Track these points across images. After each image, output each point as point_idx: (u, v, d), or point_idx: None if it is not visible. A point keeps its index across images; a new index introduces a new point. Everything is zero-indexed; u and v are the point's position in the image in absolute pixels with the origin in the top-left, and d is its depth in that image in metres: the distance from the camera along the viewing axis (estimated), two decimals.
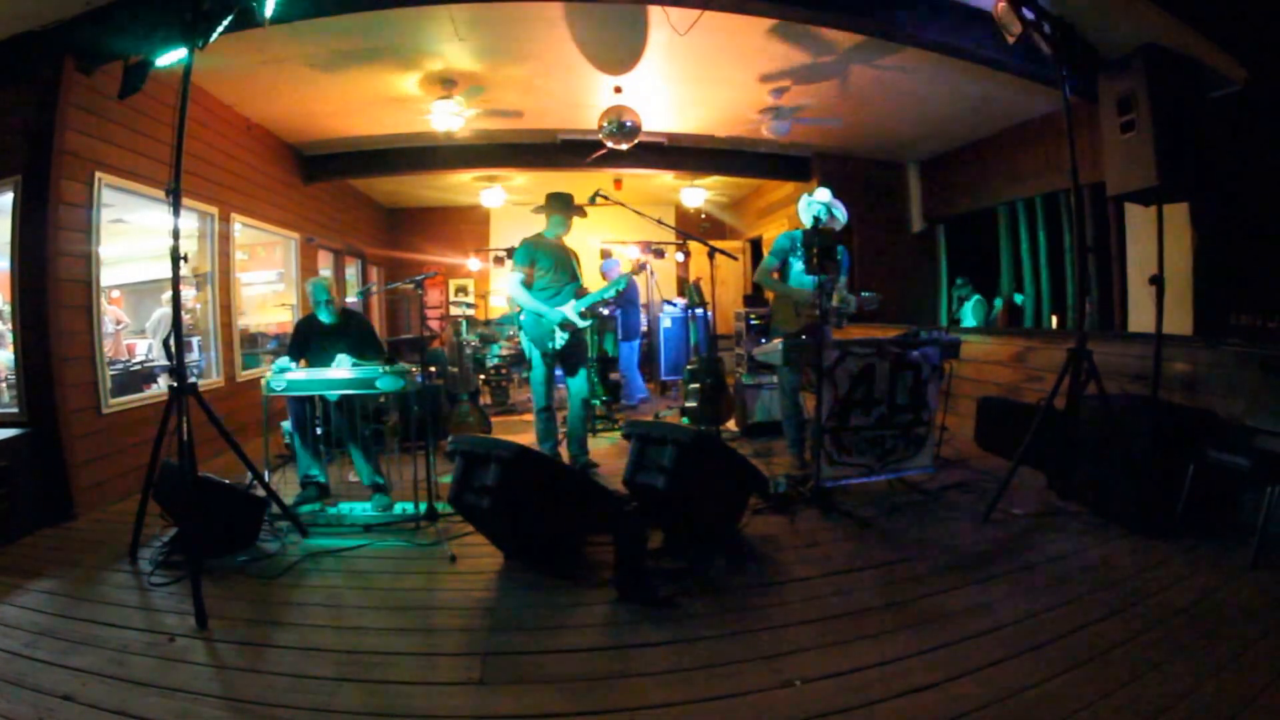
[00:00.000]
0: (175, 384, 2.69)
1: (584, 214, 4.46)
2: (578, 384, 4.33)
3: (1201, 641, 2.14)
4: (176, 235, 2.65)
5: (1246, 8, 3.44)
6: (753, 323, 7.83)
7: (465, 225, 10.54)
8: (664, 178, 8.38)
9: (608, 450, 5.08)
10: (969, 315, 7.75)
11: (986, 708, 1.84)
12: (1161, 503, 3.07)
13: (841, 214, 4.21)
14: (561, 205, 4.33)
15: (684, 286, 9.03)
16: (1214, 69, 3.57)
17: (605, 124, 5.37)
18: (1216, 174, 3.36)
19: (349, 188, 8.69)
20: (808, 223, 4.17)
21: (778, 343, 3.96)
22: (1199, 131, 3.03)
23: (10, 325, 3.77)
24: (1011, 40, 3.35)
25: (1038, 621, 2.31)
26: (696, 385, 5.61)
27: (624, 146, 5.57)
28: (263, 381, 3.54)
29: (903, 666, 2.07)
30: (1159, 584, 2.56)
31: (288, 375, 3.53)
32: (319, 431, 3.74)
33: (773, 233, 5.08)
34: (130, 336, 6.74)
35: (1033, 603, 2.45)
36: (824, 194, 4.16)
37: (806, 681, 2.00)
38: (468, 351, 6.38)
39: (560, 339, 4.17)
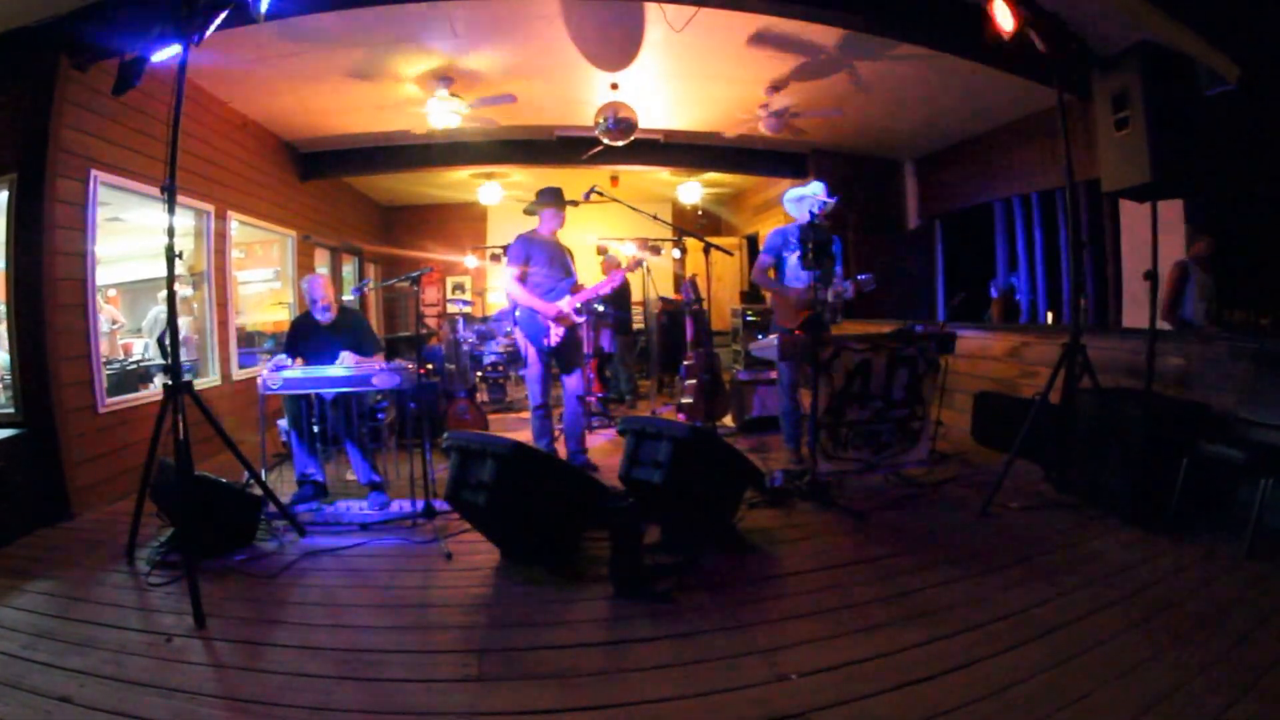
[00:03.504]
0: (171, 382, 2.69)
1: (576, 204, 4.42)
2: (574, 381, 4.33)
3: (1198, 632, 2.16)
4: (172, 233, 2.63)
5: (1240, 6, 3.45)
6: (749, 319, 7.84)
7: (462, 222, 10.51)
8: (660, 174, 8.37)
9: (604, 446, 5.08)
10: None
11: (983, 700, 1.85)
12: (1157, 495, 3.08)
13: (830, 200, 4.17)
14: (551, 199, 4.30)
15: (680, 283, 9.04)
16: (1208, 67, 3.58)
17: (601, 120, 5.37)
18: (1210, 172, 3.37)
19: (345, 185, 8.66)
20: (795, 216, 4.16)
21: (774, 338, 3.97)
22: (1193, 129, 3.04)
23: (6, 325, 3.75)
24: (1006, 37, 3.36)
25: (1034, 614, 2.32)
26: (693, 381, 5.62)
27: (620, 143, 5.57)
28: (259, 380, 3.54)
29: (899, 660, 2.08)
30: (1155, 576, 2.58)
31: (284, 374, 3.52)
32: (315, 429, 3.74)
33: (769, 229, 5.08)
34: (127, 335, 6.71)
35: (1029, 595, 2.46)
36: (817, 186, 4.15)
37: (803, 675, 2.01)
38: (464, 349, 6.37)
39: (556, 335, 4.17)
